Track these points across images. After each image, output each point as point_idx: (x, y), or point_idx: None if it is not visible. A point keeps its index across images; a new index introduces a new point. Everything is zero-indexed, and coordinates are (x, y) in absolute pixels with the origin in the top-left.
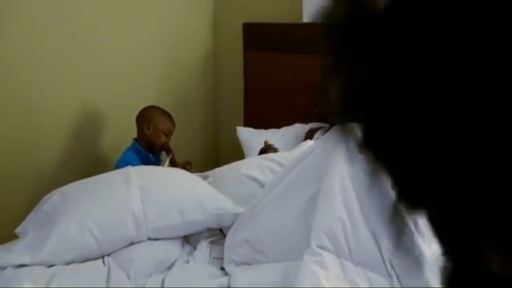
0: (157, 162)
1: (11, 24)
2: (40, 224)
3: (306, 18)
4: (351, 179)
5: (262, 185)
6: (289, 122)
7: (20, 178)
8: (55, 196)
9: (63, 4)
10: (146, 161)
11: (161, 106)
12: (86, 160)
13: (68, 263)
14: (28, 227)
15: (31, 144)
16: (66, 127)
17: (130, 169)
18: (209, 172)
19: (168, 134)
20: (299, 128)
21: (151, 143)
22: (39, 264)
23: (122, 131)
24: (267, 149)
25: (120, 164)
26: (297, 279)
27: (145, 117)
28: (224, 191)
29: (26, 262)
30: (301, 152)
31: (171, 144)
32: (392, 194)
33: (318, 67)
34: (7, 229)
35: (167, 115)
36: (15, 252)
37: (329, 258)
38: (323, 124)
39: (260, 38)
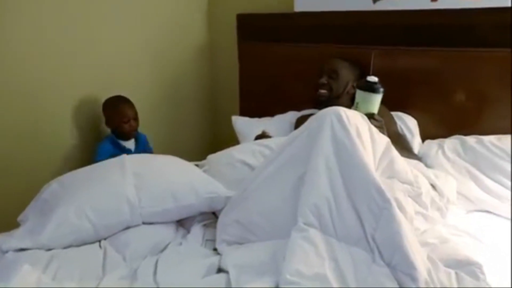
0: (138, 148)
1: (12, 22)
2: (40, 211)
3: (297, 8)
4: (336, 158)
5: (253, 169)
6: (284, 111)
7: (22, 171)
8: (54, 185)
9: (59, 3)
10: (119, 147)
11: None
12: (83, 153)
13: (66, 247)
14: (29, 215)
15: (33, 138)
16: (65, 121)
17: (125, 156)
18: (205, 160)
19: (127, 121)
20: (293, 116)
21: (119, 133)
22: (38, 248)
23: None
24: (261, 136)
25: (97, 156)
26: (286, 254)
27: (103, 113)
28: (218, 176)
29: (26, 246)
30: (289, 135)
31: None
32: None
33: (310, 56)
34: (7, 220)
35: (120, 103)
36: (16, 237)
37: (315, 234)
38: (315, 110)
39: (254, 29)
